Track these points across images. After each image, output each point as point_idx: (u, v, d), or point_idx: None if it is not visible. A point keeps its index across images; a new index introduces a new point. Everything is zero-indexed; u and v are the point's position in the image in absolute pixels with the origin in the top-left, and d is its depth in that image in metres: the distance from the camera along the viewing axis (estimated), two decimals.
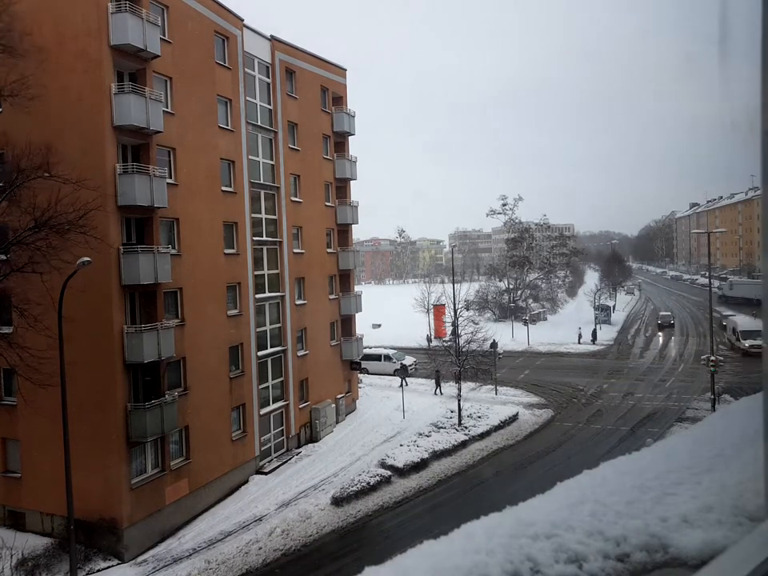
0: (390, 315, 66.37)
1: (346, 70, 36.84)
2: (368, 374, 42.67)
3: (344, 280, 36.67)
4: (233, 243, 26.72)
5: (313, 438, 31.41)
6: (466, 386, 34.66)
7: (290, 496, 24.57)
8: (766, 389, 1.39)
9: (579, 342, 55.69)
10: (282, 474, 27.12)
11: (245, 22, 28.01)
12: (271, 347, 29.50)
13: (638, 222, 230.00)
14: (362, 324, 40.82)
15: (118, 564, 20.17)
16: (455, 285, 36.26)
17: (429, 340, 50.10)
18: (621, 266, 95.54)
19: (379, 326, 64.10)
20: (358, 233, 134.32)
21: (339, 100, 36.09)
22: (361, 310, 38.01)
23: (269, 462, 28.37)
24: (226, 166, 26.50)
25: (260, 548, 20.59)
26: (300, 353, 31.68)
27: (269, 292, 29.51)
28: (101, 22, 20.28)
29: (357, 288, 39.25)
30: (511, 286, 73.34)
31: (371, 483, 24.51)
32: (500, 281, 75.35)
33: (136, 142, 21.76)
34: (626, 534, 1.41)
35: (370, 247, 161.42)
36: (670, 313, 67.71)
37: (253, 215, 28.24)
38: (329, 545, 21.07)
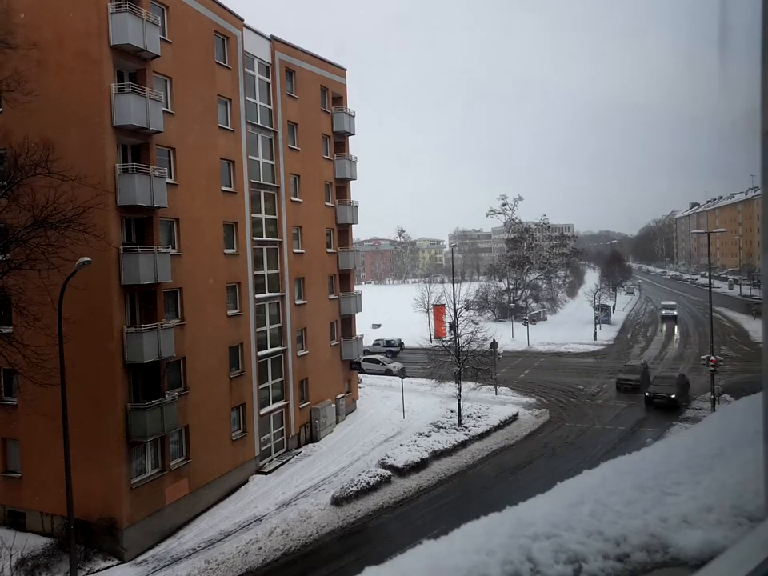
0: (390, 315, 66.37)
1: (345, 69, 36.85)
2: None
3: (344, 280, 36.67)
4: (233, 243, 26.72)
5: (313, 438, 31.41)
6: (466, 386, 34.66)
7: (289, 496, 24.58)
8: (766, 389, 1.39)
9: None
10: (281, 474, 27.12)
11: (245, 22, 28.02)
12: (271, 347, 29.50)
13: (638, 221, 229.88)
14: (362, 324, 40.85)
15: (118, 564, 20.17)
16: (455, 285, 36.24)
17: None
18: (621, 265, 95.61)
19: (379, 325, 64.10)
20: (358, 233, 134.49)
21: (339, 100, 36.09)
22: (361, 310, 38.03)
23: (269, 461, 28.36)
24: (225, 165, 26.50)
25: (260, 548, 20.59)
26: (300, 353, 31.68)
27: (269, 292, 29.51)
28: (101, 22, 20.28)
29: (357, 288, 39.26)
30: (511, 286, 73.36)
31: (371, 483, 24.51)
32: (500, 281, 75.37)
33: (136, 142, 21.76)
34: (626, 534, 1.41)
35: (369, 247, 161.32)
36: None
37: (253, 215, 28.24)
38: (329, 545, 21.06)
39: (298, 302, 31.59)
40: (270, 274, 29.84)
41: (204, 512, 23.69)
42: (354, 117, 36.42)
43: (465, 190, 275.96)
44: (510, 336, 56.05)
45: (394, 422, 33.08)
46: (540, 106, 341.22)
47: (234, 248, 26.71)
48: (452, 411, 32.53)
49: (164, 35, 22.86)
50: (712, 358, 32.73)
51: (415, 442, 28.67)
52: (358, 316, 38.10)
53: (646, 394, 34.23)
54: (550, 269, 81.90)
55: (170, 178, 22.97)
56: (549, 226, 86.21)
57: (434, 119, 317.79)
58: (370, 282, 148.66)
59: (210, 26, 25.57)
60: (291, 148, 31.38)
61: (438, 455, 27.81)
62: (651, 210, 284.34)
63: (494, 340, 37.38)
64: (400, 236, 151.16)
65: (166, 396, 21.66)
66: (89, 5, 20.46)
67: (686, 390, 34.74)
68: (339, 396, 34.35)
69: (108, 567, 19.97)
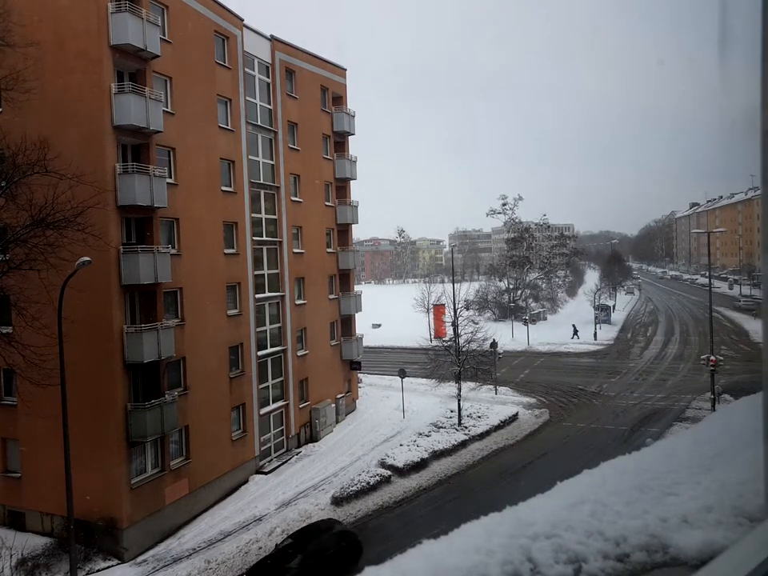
0: (390, 315, 66.39)
1: (345, 69, 36.86)
2: None
3: (344, 280, 36.67)
4: (233, 243, 26.72)
5: (313, 438, 31.41)
6: (466, 385, 34.65)
7: (289, 496, 24.58)
8: (766, 389, 1.39)
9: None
10: (281, 474, 27.12)
11: (245, 22, 28.02)
12: (271, 347, 29.50)
13: (638, 221, 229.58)
14: (361, 324, 40.86)
15: (118, 564, 20.18)
16: (455, 285, 36.23)
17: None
18: (621, 265, 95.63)
19: (379, 325, 64.16)
20: (358, 233, 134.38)
21: (339, 100, 36.10)
22: (361, 310, 38.03)
23: (269, 461, 28.37)
24: (225, 165, 26.50)
25: (260, 548, 20.58)
26: (300, 353, 31.68)
27: (269, 292, 29.51)
28: (101, 22, 20.27)
29: (357, 288, 39.27)
30: (511, 286, 73.36)
31: (371, 483, 24.51)
32: (500, 281, 75.38)
33: (136, 142, 21.76)
34: (626, 534, 1.41)
35: (369, 247, 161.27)
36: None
37: (253, 215, 28.24)
38: None
39: (298, 302, 31.60)
40: (270, 274, 29.84)
41: (204, 512, 23.68)
42: (354, 116, 36.44)
43: (465, 190, 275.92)
44: (509, 336, 56.03)
45: (393, 422, 33.08)
46: (540, 107, 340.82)
47: (233, 248, 26.71)
48: (452, 411, 32.52)
49: (164, 35, 22.86)
50: (712, 357, 32.72)
51: (415, 441, 28.66)
52: (358, 316, 38.11)
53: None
54: (549, 269, 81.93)
55: (170, 177, 22.97)
56: (549, 226, 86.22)
57: (434, 119, 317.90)
58: (370, 282, 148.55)
59: (210, 26, 25.57)
60: (291, 148, 31.37)
61: (437, 455, 27.80)
62: (651, 210, 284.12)
63: (493, 340, 37.36)
64: (400, 236, 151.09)
65: (166, 396, 21.66)
66: (89, 5, 20.46)
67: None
68: (339, 396, 34.35)
69: (108, 567, 19.97)
